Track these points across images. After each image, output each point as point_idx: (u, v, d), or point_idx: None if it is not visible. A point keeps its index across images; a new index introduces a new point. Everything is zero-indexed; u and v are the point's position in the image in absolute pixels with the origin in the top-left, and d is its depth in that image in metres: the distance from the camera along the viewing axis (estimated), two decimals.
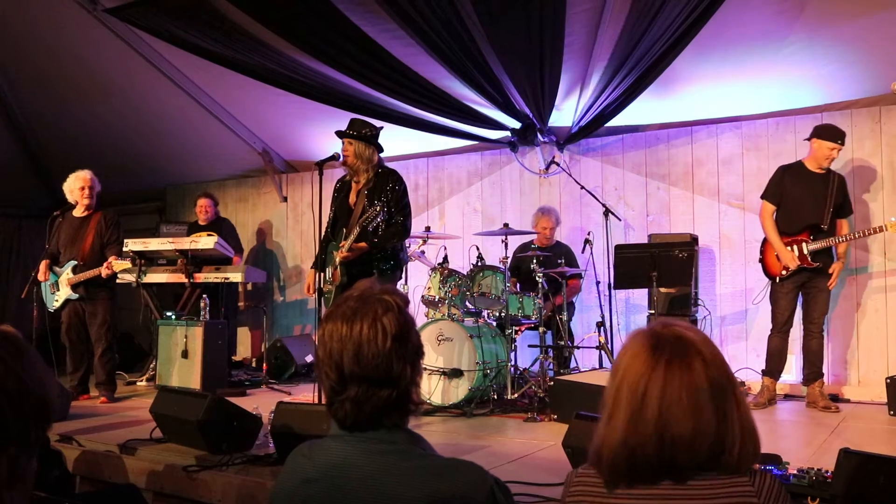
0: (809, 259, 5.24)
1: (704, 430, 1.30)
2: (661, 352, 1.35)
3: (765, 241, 5.50)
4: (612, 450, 1.35)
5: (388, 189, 4.78)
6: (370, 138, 4.85)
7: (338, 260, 4.69)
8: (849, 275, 5.94)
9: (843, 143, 5.25)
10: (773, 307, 5.45)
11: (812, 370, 5.37)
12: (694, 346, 1.36)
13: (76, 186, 5.98)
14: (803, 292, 5.40)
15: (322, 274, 4.86)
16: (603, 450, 1.37)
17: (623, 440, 1.33)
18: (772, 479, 1.35)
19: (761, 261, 5.55)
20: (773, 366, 5.44)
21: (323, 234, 4.91)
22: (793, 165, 5.47)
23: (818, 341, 5.37)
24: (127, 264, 5.86)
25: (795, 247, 5.29)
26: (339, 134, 4.92)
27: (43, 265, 6.02)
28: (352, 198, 4.91)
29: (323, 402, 4.33)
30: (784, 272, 5.31)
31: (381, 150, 4.95)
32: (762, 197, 5.51)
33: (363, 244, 4.65)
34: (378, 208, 4.56)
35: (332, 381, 1.52)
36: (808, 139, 5.38)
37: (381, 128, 4.97)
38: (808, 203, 5.29)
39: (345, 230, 4.79)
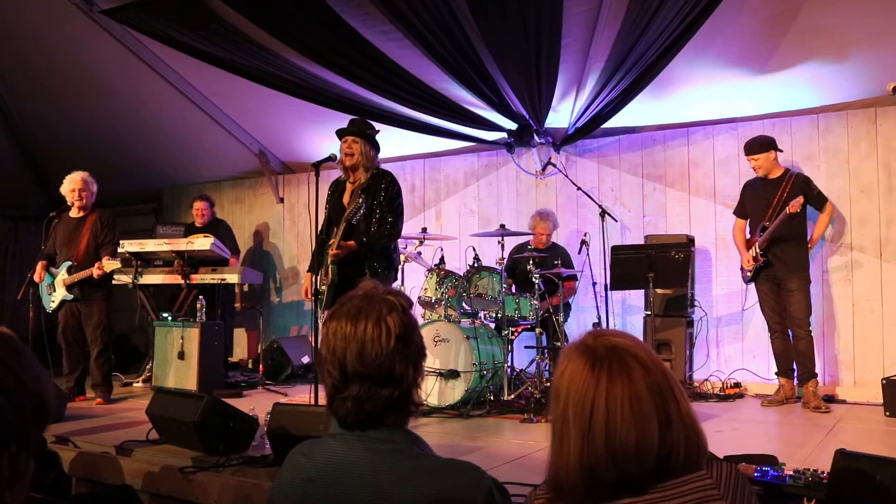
0: (759, 256, 5.51)
1: (649, 438, 1.28)
2: (601, 366, 1.33)
3: None
4: (570, 474, 1.32)
5: (382, 188, 4.78)
6: (373, 138, 4.90)
7: (329, 259, 4.68)
8: (845, 276, 5.96)
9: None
10: (761, 311, 5.73)
11: (804, 371, 5.42)
12: (630, 353, 1.34)
13: (68, 189, 5.99)
14: (782, 295, 5.52)
15: (318, 276, 4.87)
16: (560, 475, 1.35)
17: (578, 463, 1.31)
18: (728, 468, 1.34)
19: (741, 269, 5.85)
20: (781, 366, 5.60)
21: (318, 235, 4.91)
22: (752, 179, 5.81)
23: (805, 342, 5.43)
24: (117, 264, 5.84)
25: (753, 248, 5.59)
26: (343, 132, 4.91)
27: (39, 266, 6.01)
28: (346, 198, 4.92)
29: (321, 402, 4.34)
30: (748, 273, 5.66)
31: (379, 150, 4.98)
32: (733, 213, 5.94)
33: (352, 243, 4.65)
34: (360, 201, 4.57)
35: (334, 379, 1.53)
36: None
37: (378, 130, 5.01)
38: (761, 208, 5.61)
39: (335, 229, 4.80)
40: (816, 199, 5.57)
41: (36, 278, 6.00)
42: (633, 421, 1.28)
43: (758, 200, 5.66)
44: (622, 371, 1.32)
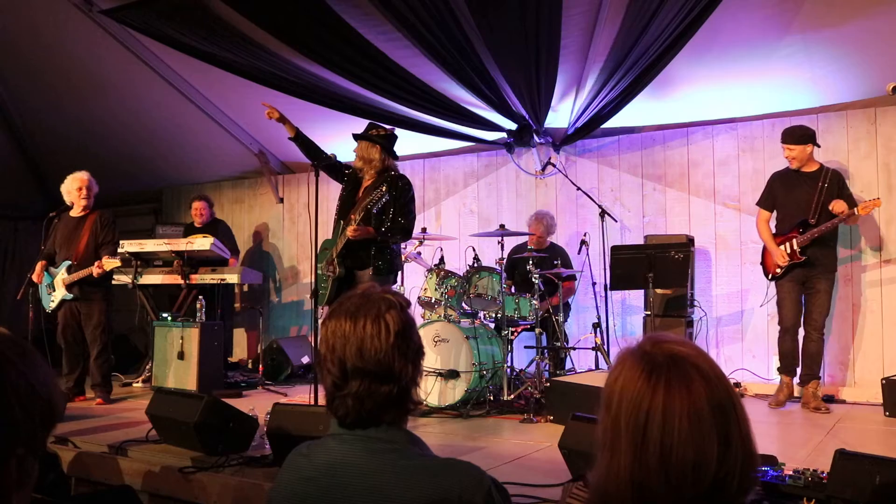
0: (798, 254, 5.31)
1: (707, 459, 1.19)
2: (658, 375, 1.23)
3: (765, 246, 5.60)
4: (621, 488, 1.23)
5: (397, 189, 4.85)
6: (384, 144, 4.95)
7: (347, 234, 4.71)
8: (845, 276, 5.95)
9: (785, 142, 5.40)
10: (779, 308, 5.52)
11: (808, 372, 5.38)
12: (692, 364, 1.25)
13: (73, 187, 5.99)
14: (804, 293, 5.42)
15: (321, 266, 4.94)
16: (610, 487, 1.25)
17: (629, 478, 1.22)
18: None
19: (762, 263, 5.64)
20: (787, 365, 5.49)
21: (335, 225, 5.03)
22: (783, 171, 5.60)
23: (817, 345, 5.37)
24: (117, 262, 5.83)
25: (787, 244, 5.37)
26: (356, 137, 5.07)
27: (38, 266, 6.01)
28: (359, 194, 4.99)
29: (321, 402, 4.35)
30: (778, 270, 5.41)
31: (394, 157, 5.05)
32: (757, 204, 5.67)
33: (370, 228, 4.70)
34: (384, 189, 4.63)
35: (334, 377, 1.53)
36: None
37: (396, 137, 5.07)
38: (797, 202, 5.40)
39: (342, 223, 4.85)
40: (848, 200, 5.36)
41: (35, 278, 5.99)
42: (691, 438, 1.19)
43: (793, 192, 5.45)
44: (681, 383, 1.22)
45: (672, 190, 6.72)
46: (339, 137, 5.65)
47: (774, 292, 5.60)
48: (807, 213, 5.34)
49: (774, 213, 5.62)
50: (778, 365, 5.60)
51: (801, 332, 5.47)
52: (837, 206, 5.21)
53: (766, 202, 5.62)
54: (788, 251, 5.36)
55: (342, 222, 4.87)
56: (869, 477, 2.45)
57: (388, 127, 5.15)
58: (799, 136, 5.38)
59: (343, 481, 1.50)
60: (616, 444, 1.25)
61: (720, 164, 6.53)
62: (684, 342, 1.31)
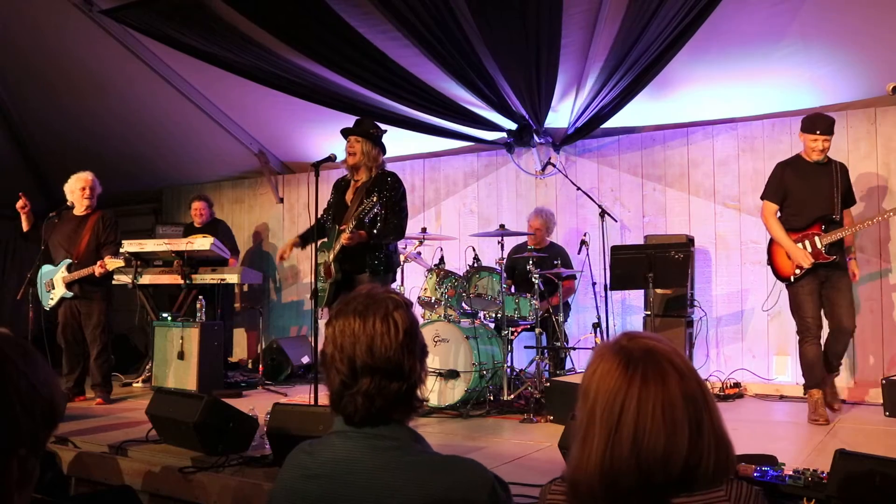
0: (824, 252, 4.81)
1: (678, 447, 1.26)
2: (635, 368, 1.30)
3: (771, 243, 5.08)
4: (590, 474, 1.29)
5: (387, 189, 4.82)
6: (377, 139, 4.92)
7: (342, 242, 4.69)
8: None
9: (823, 132, 4.81)
10: (799, 312, 4.93)
11: (838, 364, 5.10)
12: (666, 358, 1.32)
13: (77, 187, 6.00)
14: (822, 293, 4.92)
15: (318, 270, 4.93)
16: (579, 475, 1.32)
17: (600, 463, 1.28)
18: (748, 488, 1.33)
19: (770, 263, 5.11)
20: (815, 377, 4.87)
21: (318, 219, 4.97)
22: (791, 160, 5.08)
23: (847, 345, 4.97)
24: (120, 262, 5.84)
25: (807, 242, 4.86)
26: (346, 132, 4.98)
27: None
28: (349, 195, 4.96)
29: (321, 402, 4.34)
30: (798, 271, 4.88)
31: (384, 151, 5.01)
32: (762, 198, 5.12)
33: (363, 232, 4.69)
34: (374, 199, 4.62)
35: (342, 376, 1.54)
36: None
37: (385, 130, 5.04)
38: (815, 195, 4.90)
39: (337, 228, 4.84)
40: (852, 196, 5.08)
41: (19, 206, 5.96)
42: (663, 426, 1.26)
43: (809, 184, 4.91)
44: (657, 375, 1.29)
45: (672, 190, 6.72)
46: (340, 137, 5.63)
47: (778, 295, 5.50)
48: (828, 208, 4.87)
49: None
50: (804, 381, 4.96)
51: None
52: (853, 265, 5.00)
53: (775, 194, 5.01)
54: (811, 250, 4.84)
55: (337, 227, 4.85)
56: (869, 477, 2.45)
57: (383, 126, 5.13)
58: (832, 125, 4.84)
59: (347, 478, 1.50)
60: (589, 434, 1.31)
61: (720, 164, 6.53)
62: (659, 338, 1.38)
